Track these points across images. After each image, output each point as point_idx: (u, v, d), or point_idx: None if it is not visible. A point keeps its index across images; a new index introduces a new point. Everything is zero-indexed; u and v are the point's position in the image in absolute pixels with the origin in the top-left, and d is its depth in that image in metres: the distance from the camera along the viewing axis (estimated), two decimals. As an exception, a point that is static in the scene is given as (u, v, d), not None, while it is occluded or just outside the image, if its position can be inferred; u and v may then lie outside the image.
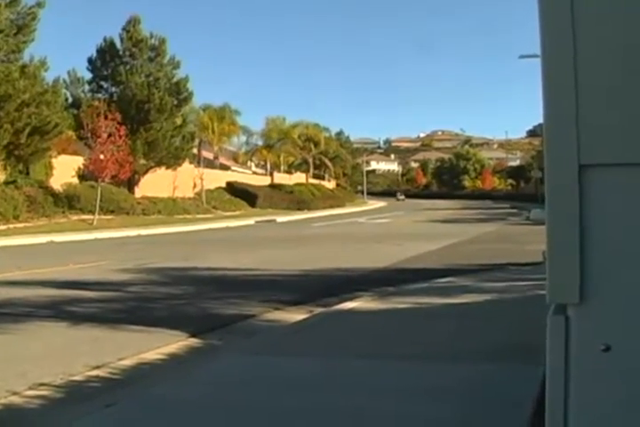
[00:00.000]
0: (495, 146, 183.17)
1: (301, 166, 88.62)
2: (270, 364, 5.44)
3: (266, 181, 64.80)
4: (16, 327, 7.51)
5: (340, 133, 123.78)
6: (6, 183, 30.19)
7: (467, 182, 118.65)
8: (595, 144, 1.59)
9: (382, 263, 14.32)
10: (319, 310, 8.46)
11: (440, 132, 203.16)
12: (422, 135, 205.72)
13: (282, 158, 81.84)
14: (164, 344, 6.62)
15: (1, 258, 17.65)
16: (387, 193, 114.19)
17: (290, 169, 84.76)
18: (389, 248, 18.46)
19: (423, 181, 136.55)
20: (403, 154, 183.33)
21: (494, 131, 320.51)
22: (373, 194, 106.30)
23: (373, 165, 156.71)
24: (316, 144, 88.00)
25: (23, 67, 28.53)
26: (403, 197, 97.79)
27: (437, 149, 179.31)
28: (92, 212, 31.25)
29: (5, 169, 30.65)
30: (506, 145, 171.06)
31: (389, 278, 11.59)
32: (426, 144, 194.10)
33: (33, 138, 28.41)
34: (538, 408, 2.39)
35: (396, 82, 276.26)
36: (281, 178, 69.02)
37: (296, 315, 8.17)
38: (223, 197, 50.28)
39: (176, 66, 41.47)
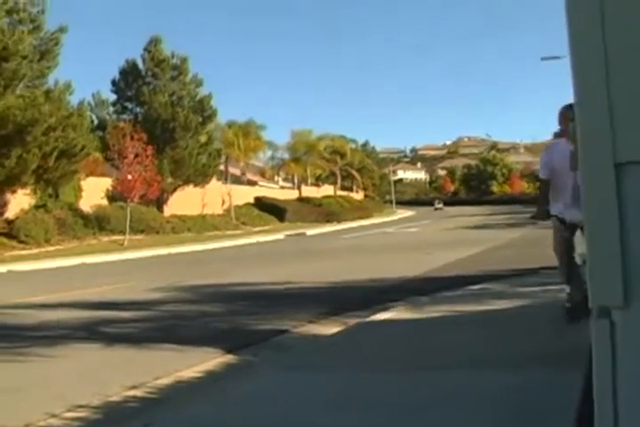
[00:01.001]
0: (522, 150, 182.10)
1: (329, 179, 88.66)
2: (305, 379, 5.40)
3: (293, 194, 64.91)
4: (51, 350, 7.53)
5: (365, 144, 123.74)
6: (37, 207, 30.56)
7: (495, 188, 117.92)
8: (631, 142, 1.55)
9: (414, 272, 14.23)
10: (353, 321, 8.40)
11: (466, 139, 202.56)
12: (448, 142, 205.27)
13: (309, 171, 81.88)
14: (200, 362, 6.60)
15: (34, 281, 17.82)
16: (415, 202, 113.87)
17: (317, 182, 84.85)
18: (420, 257, 18.35)
19: (451, 188, 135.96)
20: (429, 162, 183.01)
21: (520, 134, 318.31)
22: (402, 203, 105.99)
23: (400, 175, 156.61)
24: (343, 156, 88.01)
25: (48, 91, 28.88)
26: (441, 205, 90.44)
27: (464, 155, 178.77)
28: (122, 232, 31.47)
29: (35, 193, 31.01)
30: (533, 148, 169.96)
31: (422, 287, 11.49)
32: (452, 151, 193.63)
33: (61, 161, 28.65)
34: (579, 417, 2.32)
35: (419, 90, 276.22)
36: (309, 191, 69.09)
37: (330, 327, 8.13)
38: (252, 212, 50.43)
39: (199, 84, 41.87)
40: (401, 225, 45.13)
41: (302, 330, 8.32)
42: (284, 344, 7.33)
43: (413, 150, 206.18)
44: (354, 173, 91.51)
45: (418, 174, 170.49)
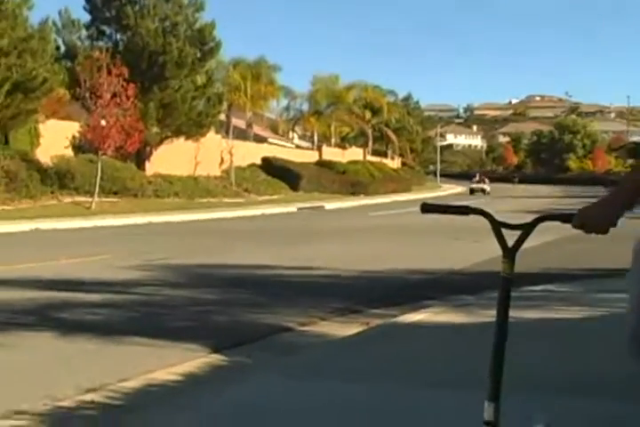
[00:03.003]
0: (612, 115, 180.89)
1: (357, 140, 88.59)
2: (308, 390, 5.42)
3: (312, 157, 64.85)
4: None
5: (407, 98, 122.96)
6: (-22, 155, 30.50)
7: (572, 163, 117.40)
8: None
9: (458, 265, 14.25)
10: (376, 322, 8.43)
11: (538, 98, 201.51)
12: (515, 101, 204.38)
13: (333, 129, 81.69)
14: (178, 361, 6.64)
15: (-26, 249, 17.94)
16: (466, 175, 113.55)
17: (343, 143, 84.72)
18: (467, 246, 18.34)
19: (514, 159, 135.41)
20: (488, 125, 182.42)
21: (611, 96, 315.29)
22: (449, 176, 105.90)
23: (450, 139, 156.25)
24: (377, 111, 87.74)
25: (-3, 4, 28.42)
26: (484, 185, 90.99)
27: (534, 118, 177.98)
28: (89, 193, 31.60)
29: (-22, 137, 30.95)
30: (627, 115, 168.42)
31: (466, 284, 11.50)
32: (519, 113, 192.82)
33: (14, 97, 28.43)
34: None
35: (478, 33, 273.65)
36: (331, 154, 68.98)
37: (347, 328, 8.14)
38: (258, 176, 50.49)
39: (199, 8, 41.61)
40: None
41: (311, 329, 8.35)
42: (287, 345, 7.35)
43: (468, 109, 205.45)
44: (390, 133, 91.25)
45: (472, 140, 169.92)
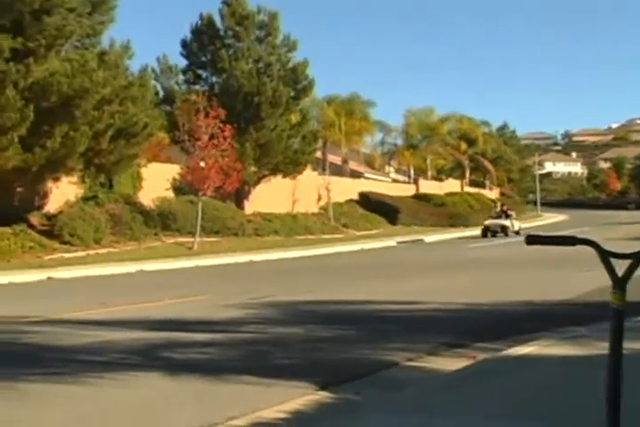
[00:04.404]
0: None
1: (454, 171, 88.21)
2: None
3: (409, 190, 64.82)
4: (99, 379, 7.68)
5: (503, 128, 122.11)
6: (85, 199, 31.15)
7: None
8: None
9: (565, 295, 14.00)
10: (483, 355, 8.32)
11: (639, 121, 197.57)
12: (614, 126, 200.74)
13: (429, 161, 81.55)
14: (285, 399, 6.63)
15: (81, 292, 18.30)
16: (567, 203, 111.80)
17: (439, 175, 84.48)
18: (575, 275, 18.01)
19: (617, 185, 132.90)
20: (588, 151, 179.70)
21: None
22: (549, 204, 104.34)
23: (548, 167, 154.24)
24: (472, 142, 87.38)
25: (102, 54, 28.98)
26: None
27: (636, 143, 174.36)
28: (191, 233, 31.97)
29: (84, 182, 31.57)
30: None
31: (576, 315, 11.28)
32: (619, 137, 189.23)
33: (117, 142, 28.96)
34: None
35: (576, 58, 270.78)
36: (428, 186, 68.87)
37: (453, 362, 8.06)
38: (355, 211, 50.58)
39: (292, 47, 42.03)
40: (548, 233, 44.25)
41: (418, 364, 8.28)
42: (394, 381, 7.30)
43: (566, 136, 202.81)
44: (487, 164, 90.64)
45: (572, 167, 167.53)
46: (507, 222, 44.10)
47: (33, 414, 6.43)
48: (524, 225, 48.89)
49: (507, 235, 42.09)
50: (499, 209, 47.70)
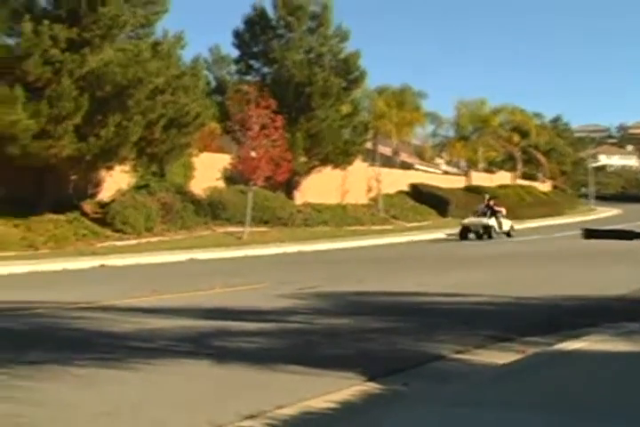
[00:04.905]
0: None
1: (505, 164, 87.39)
2: (467, 420, 5.33)
3: (460, 182, 64.38)
4: (150, 366, 7.78)
5: (556, 120, 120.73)
6: (137, 188, 31.51)
7: None
8: None
9: (617, 290, 13.83)
10: (532, 350, 8.27)
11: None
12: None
13: (480, 153, 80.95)
14: (334, 389, 6.66)
15: (133, 279, 18.51)
16: (622, 197, 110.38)
17: (491, 167, 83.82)
18: (627, 270, 17.84)
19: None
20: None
21: None
22: (603, 198, 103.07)
23: (603, 160, 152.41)
24: (525, 134, 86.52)
25: (155, 44, 29.17)
26: None
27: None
28: (241, 223, 32.14)
29: (136, 171, 31.85)
30: None
31: (628, 310, 11.16)
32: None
33: (169, 132, 29.12)
34: None
35: (627, 48, 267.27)
36: (479, 178, 68.35)
37: (502, 356, 8.02)
38: (405, 203, 50.45)
39: (344, 38, 41.95)
40: (602, 227, 43.81)
41: (466, 357, 8.26)
42: (442, 373, 7.29)
43: (621, 129, 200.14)
44: (539, 156, 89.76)
45: (627, 160, 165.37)
46: (491, 221, 36.29)
47: (85, 398, 6.52)
48: (579, 219, 44.20)
49: (490, 237, 35.41)
50: (484, 205, 38.07)
